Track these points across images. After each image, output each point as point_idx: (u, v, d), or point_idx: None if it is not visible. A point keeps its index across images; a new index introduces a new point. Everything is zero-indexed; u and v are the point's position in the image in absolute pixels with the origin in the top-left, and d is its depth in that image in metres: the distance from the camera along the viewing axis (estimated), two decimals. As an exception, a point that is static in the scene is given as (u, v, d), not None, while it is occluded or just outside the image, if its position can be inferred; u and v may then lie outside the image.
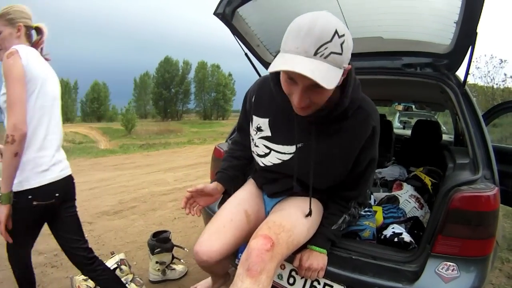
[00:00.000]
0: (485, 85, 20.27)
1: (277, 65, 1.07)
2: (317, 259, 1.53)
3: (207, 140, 19.37)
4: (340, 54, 1.06)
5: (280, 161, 1.52)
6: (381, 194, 2.42)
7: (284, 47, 1.11)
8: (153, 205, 4.72)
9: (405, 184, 2.47)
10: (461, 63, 2.00)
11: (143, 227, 3.85)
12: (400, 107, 5.92)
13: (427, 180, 2.54)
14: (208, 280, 2.20)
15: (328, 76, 1.04)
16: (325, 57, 1.04)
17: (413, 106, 5.60)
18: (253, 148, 1.62)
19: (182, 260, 2.79)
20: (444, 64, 2.03)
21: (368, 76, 2.22)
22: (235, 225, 1.57)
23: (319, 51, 1.03)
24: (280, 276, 1.76)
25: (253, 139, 1.61)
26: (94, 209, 4.50)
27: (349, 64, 1.18)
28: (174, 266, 2.74)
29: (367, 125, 1.36)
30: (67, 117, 60.24)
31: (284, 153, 1.49)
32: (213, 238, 1.51)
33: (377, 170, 3.07)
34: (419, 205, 2.24)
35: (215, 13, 2.11)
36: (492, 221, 1.41)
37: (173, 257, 2.70)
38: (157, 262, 2.61)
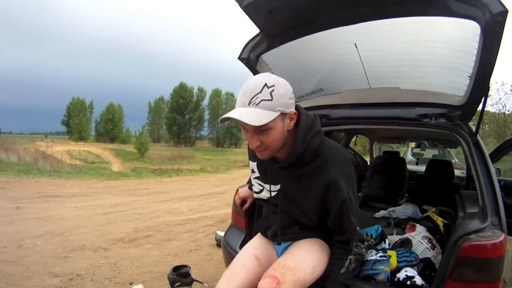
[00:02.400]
0: (497, 111, 20.84)
1: (221, 116, 1.39)
2: None
3: (220, 168, 19.47)
4: (271, 100, 1.34)
5: (270, 196, 1.76)
6: (395, 238, 2.49)
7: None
8: (168, 235, 4.78)
9: (418, 226, 2.53)
10: (474, 113, 2.13)
11: (159, 257, 3.90)
12: (413, 144, 6.10)
13: (439, 221, 2.62)
14: None
15: (257, 117, 1.33)
16: (257, 104, 1.34)
17: (426, 143, 5.77)
18: (252, 188, 1.90)
19: (200, 294, 2.83)
20: (457, 115, 2.14)
21: (384, 126, 2.38)
22: (247, 268, 1.72)
23: (251, 101, 1.34)
24: None
25: (251, 181, 1.90)
26: (109, 235, 4.58)
27: (295, 110, 1.47)
28: (192, 300, 2.78)
29: (326, 169, 1.52)
30: (80, 135, 61.30)
31: (272, 190, 1.73)
32: (229, 280, 1.67)
33: (390, 209, 3.16)
34: (431, 246, 2.30)
35: (240, 58, 2.26)
36: (498, 266, 1.53)
37: (191, 292, 2.75)
38: (176, 296, 2.66)
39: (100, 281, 3.19)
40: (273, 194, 1.73)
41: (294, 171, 1.59)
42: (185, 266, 2.79)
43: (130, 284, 2.80)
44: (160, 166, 21.37)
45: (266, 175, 1.74)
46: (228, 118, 1.37)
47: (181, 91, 69.39)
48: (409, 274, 1.92)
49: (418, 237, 2.36)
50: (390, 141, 5.62)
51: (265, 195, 1.80)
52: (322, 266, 1.71)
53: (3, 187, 7.31)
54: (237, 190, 2.39)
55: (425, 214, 2.84)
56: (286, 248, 1.83)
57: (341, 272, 1.64)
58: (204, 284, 2.85)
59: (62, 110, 69.32)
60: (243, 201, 2.27)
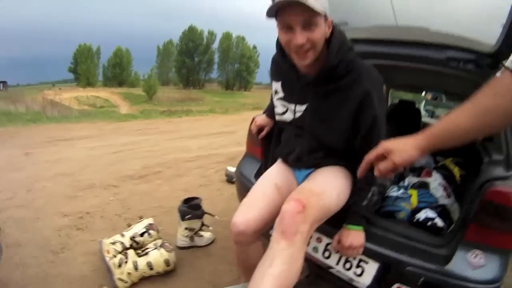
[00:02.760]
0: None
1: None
2: (356, 237, 1.59)
3: (229, 110, 19.35)
4: None
5: (294, 117, 1.67)
6: (414, 179, 2.44)
7: None
8: (178, 171, 4.73)
9: (434, 172, 2.47)
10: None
11: (168, 193, 3.86)
12: (429, 96, 5.82)
13: (456, 171, 2.58)
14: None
15: (314, 2, 1.25)
16: None
17: (443, 97, 5.49)
18: (275, 110, 1.79)
19: (210, 228, 2.78)
20: (487, 62, 2.01)
21: (411, 63, 2.23)
22: (267, 197, 1.66)
23: None
24: (315, 249, 1.81)
25: (274, 102, 1.80)
26: (119, 172, 4.52)
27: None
28: (202, 233, 2.73)
29: (359, 84, 1.44)
30: (88, 81, 60.98)
31: (297, 111, 1.65)
32: (249, 209, 1.62)
33: None
34: (446, 194, 2.24)
35: None
36: None
37: (202, 224, 2.69)
38: (186, 228, 2.61)
39: (109, 218, 3.17)
40: (298, 114, 1.65)
41: (325, 87, 1.52)
42: (196, 198, 2.71)
43: (140, 218, 2.73)
44: (169, 108, 21.29)
45: (291, 94, 1.65)
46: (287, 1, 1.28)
47: (191, 34, 68.84)
48: (430, 215, 1.89)
49: (435, 183, 2.31)
50: (408, 89, 5.39)
51: (289, 116, 1.71)
52: (346, 195, 1.63)
53: (12, 136, 7.24)
54: (254, 119, 2.29)
55: (441, 163, 2.80)
56: (307, 176, 1.73)
57: (363, 204, 1.59)
58: (216, 217, 2.77)
59: (69, 58, 68.57)
60: (260, 130, 2.19)
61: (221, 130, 9.10)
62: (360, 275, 1.68)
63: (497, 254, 1.48)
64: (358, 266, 1.69)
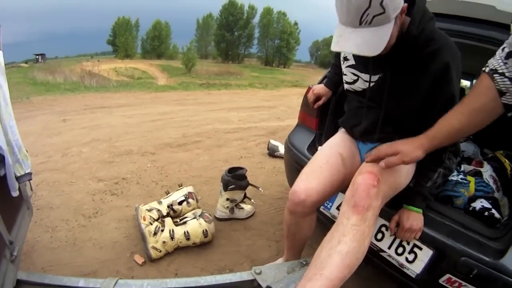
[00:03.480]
0: None
1: (332, 43, 1.24)
2: (417, 219, 1.50)
3: (269, 85, 19.11)
4: (383, 12, 1.12)
5: (366, 87, 1.55)
6: (469, 167, 2.34)
7: (337, 17, 1.22)
8: (218, 142, 4.60)
9: (485, 163, 2.36)
10: None
11: (208, 162, 3.75)
12: None
13: (507, 165, 2.45)
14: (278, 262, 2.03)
15: (375, 42, 1.17)
16: (370, 23, 1.14)
17: None
18: (343, 78, 1.68)
19: (252, 200, 2.64)
20: None
21: (473, 42, 2.02)
22: (331, 166, 1.58)
23: (362, 19, 1.14)
24: None
25: (342, 70, 1.67)
26: (157, 140, 4.45)
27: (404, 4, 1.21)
28: (242, 205, 2.61)
29: (439, 57, 1.33)
30: (127, 53, 61.87)
31: (368, 81, 1.52)
32: (311, 178, 1.54)
33: None
34: (496, 187, 2.13)
35: None
36: None
37: (244, 196, 2.54)
38: (227, 199, 2.47)
39: (146, 184, 3.09)
40: (371, 85, 1.52)
41: (404, 58, 1.38)
42: (241, 168, 2.55)
43: (179, 186, 2.62)
44: (208, 80, 21.27)
45: (365, 63, 1.51)
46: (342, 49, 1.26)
47: (231, 8, 68.25)
48: (486, 205, 1.80)
49: (486, 174, 2.21)
50: (464, 77, 4.94)
51: (360, 86, 1.59)
52: (411, 175, 1.55)
53: (50, 104, 7.33)
54: (309, 88, 2.18)
55: (491, 155, 2.72)
56: (371, 150, 1.58)
57: (427, 185, 1.50)
58: (260, 189, 2.61)
59: (108, 31, 69.28)
60: (317, 99, 2.10)
61: (261, 104, 8.91)
62: (412, 261, 1.59)
63: None
64: (411, 251, 1.59)
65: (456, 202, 1.87)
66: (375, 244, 1.69)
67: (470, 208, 1.81)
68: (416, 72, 1.38)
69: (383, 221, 1.65)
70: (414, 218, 1.49)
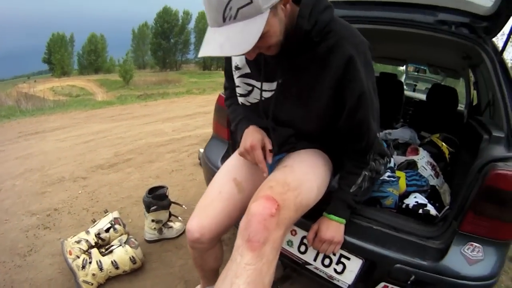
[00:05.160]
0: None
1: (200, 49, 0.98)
2: (337, 231, 1.34)
3: (207, 90, 18.87)
4: (250, 3, 0.90)
5: (263, 99, 1.32)
6: (401, 158, 2.22)
7: None
8: (150, 157, 4.43)
9: (421, 149, 2.26)
10: (500, 29, 1.79)
11: (139, 181, 3.59)
12: (411, 68, 5.57)
13: (444, 148, 2.35)
14: None
15: (242, 39, 0.93)
16: (235, 18, 0.92)
17: (426, 69, 5.26)
18: (237, 91, 1.42)
19: (180, 218, 2.54)
20: (482, 26, 1.78)
21: (396, 27, 1.94)
22: (224, 197, 1.38)
23: (225, 15, 0.91)
24: (290, 243, 1.55)
25: (235, 82, 1.41)
26: (89, 163, 4.21)
27: None
28: (171, 224, 2.51)
29: (339, 51, 1.10)
30: (63, 71, 58.96)
31: (266, 90, 1.30)
32: (203, 215, 1.36)
33: (386, 131, 2.86)
34: (435, 174, 2.05)
35: None
36: None
37: (170, 215, 2.45)
38: (153, 221, 2.36)
39: (77, 213, 2.90)
40: (267, 95, 1.30)
41: (299, 58, 1.17)
42: (162, 187, 2.45)
43: (105, 212, 2.49)
44: (146, 91, 20.78)
45: (258, 69, 1.28)
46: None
47: (165, 15, 67.09)
48: (420, 201, 1.66)
49: (422, 161, 2.10)
50: (390, 62, 4.92)
51: (255, 97, 1.36)
52: (326, 186, 1.38)
53: (-16, 135, 6.74)
54: (220, 96, 1.97)
55: (428, 139, 2.54)
56: (278, 162, 1.42)
57: (351, 190, 1.32)
58: (183, 206, 2.52)
59: (43, 48, 65.85)
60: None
61: (196, 111, 8.70)
62: (341, 272, 1.46)
63: (495, 246, 1.27)
64: (339, 262, 1.46)
65: (385, 202, 1.69)
66: (299, 257, 1.56)
67: (403, 206, 1.68)
68: (315, 71, 1.16)
69: (304, 233, 1.49)
70: (334, 230, 1.32)
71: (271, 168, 1.41)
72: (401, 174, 1.88)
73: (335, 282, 1.49)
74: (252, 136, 1.34)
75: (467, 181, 1.30)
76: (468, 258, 1.25)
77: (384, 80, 3.65)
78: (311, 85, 1.18)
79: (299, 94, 1.22)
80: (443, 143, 2.37)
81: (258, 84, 1.30)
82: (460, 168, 1.87)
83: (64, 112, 9.81)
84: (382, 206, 1.68)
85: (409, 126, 3.04)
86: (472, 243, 1.27)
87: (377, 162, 1.35)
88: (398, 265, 1.30)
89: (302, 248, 1.53)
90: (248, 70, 1.33)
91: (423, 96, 4.81)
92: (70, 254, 2.10)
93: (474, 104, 2.78)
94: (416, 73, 7.12)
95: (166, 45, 67.80)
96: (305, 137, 1.35)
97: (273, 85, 1.26)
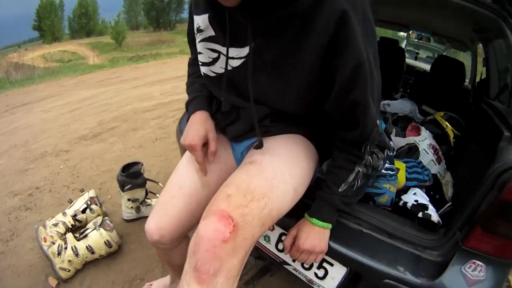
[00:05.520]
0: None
1: None
2: (320, 238, 1.07)
3: (200, 50, 18.32)
4: None
5: (231, 68, 1.00)
6: (400, 141, 1.86)
7: None
8: (134, 124, 4.21)
9: (423, 129, 1.89)
10: None
11: (121, 151, 3.40)
12: (414, 35, 5.16)
13: (449, 130, 1.97)
14: (166, 279, 1.77)
15: None
16: None
17: (430, 38, 4.84)
18: (199, 58, 1.09)
19: (157, 195, 2.35)
20: None
21: None
22: (186, 193, 1.14)
23: None
24: (267, 238, 1.32)
25: (197, 47, 1.09)
26: (72, 134, 4.00)
27: None
28: (149, 201, 2.32)
29: (329, 4, 0.78)
30: (54, 36, 57.32)
31: (233, 58, 0.97)
32: (161, 214, 1.13)
33: (385, 102, 2.47)
34: (437, 159, 1.73)
35: None
36: None
37: (147, 192, 2.26)
38: (129, 200, 2.19)
39: (57, 190, 2.75)
40: (235, 63, 0.98)
41: (274, 16, 0.84)
42: (136, 163, 2.23)
43: (81, 192, 2.31)
44: (138, 53, 20.16)
45: (224, 32, 0.97)
46: None
47: (159, -27, 64.14)
48: (420, 200, 1.35)
49: (424, 144, 1.77)
50: (389, 26, 4.24)
51: (220, 67, 1.03)
52: (308, 183, 1.09)
53: (-30, 110, 6.49)
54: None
55: (431, 117, 2.16)
56: (249, 148, 1.16)
57: (339, 190, 1.03)
58: (159, 184, 2.30)
59: (32, 16, 63.62)
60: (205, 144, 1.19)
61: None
62: (322, 278, 1.25)
63: (498, 266, 1.06)
64: (320, 267, 1.24)
65: (379, 200, 1.38)
66: (277, 256, 1.34)
67: (400, 203, 1.38)
68: (296, 34, 0.84)
69: (283, 230, 1.28)
70: (317, 237, 1.07)
71: (242, 153, 1.18)
72: (400, 165, 1.54)
73: (315, 287, 1.29)
74: (193, 131, 1.10)
75: (480, 189, 1.04)
76: (468, 278, 1.05)
77: (384, 46, 3.28)
78: (291, 51, 0.87)
79: (275, 62, 0.91)
80: (448, 124, 2.02)
81: (223, 49, 0.99)
82: (466, 158, 1.63)
83: (54, 79, 9.48)
84: (375, 203, 1.39)
85: (409, 98, 2.67)
86: (475, 261, 1.06)
87: (374, 156, 1.02)
88: (387, 281, 1.09)
89: (280, 246, 1.31)
90: (212, 33, 1.01)
91: (425, 66, 4.44)
92: (45, 241, 1.97)
93: (480, 81, 2.47)
94: (417, 40, 6.59)
95: (159, 5, 65.12)
96: (283, 118, 1.06)
97: (243, 51, 0.95)
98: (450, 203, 1.41)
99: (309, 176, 1.09)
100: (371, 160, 1.01)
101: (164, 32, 55.22)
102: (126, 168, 2.19)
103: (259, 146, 1.01)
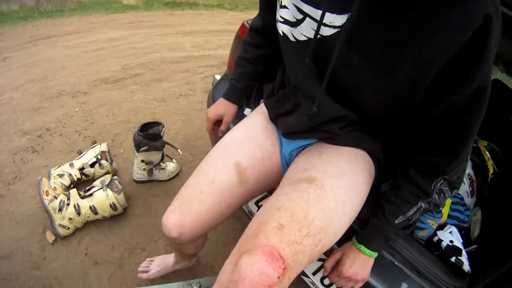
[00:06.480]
0: None
1: None
2: (364, 267, 0.96)
3: (239, 6, 17.66)
4: None
5: (319, 37, 0.76)
6: None
7: None
8: (160, 75, 3.95)
9: None
10: None
11: (141, 102, 3.17)
12: None
13: (490, 165, 1.74)
14: (169, 257, 1.58)
15: None
16: None
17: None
18: (279, 13, 0.86)
19: (174, 160, 2.16)
20: None
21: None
22: (219, 189, 0.97)
23: None
24: None
25: (276, 3, 0.87)
26: (94, 75, 3.77)
27: None
28: (163, 165, 2.12)
29: (477, 3, 0.60)
30: (91, -31, 56.98)
31: (327, 25, 0.74)
32: (185, 209, 0.96)
33: None
34: (471, 191, 1.54)
35: None
36: None
37: (163, 156, 2.05)
38: (142, 161, 1.98)
39: (68, 136, 2.57)
40: (326, 33, 0.76)
41: None
42: (158, 124, 2.00)
43: (93, 143, 2.10)
44: (175, -1, 19.63)
45: None
46: None
47: None
48: (455, 242, 1.22)
49: None
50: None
51: (305, 32, 0.81)
52: (360, 207, 0.93)
53: (-5, 39, 6.33)
54: (244, 26, 1.58)
55: (474, 144, 1.88)
56: (300, 151, 1.00)
57: (396, 222, 0.91)
58: (179, 150, 2.05)
59: None
60: (218, 122, 1.32)
61: (223, 28, 7.91)
62: None
63: None
64: None
65: (418, 234, 1.30)
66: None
67: (435, 238, 1.28)
68: (421, 20, 0.65)
69: None
70: (361, 265, 0.96)
71: (289, 155, 1.02)
72: (447, 200, 1.39)
73: None
74: (215, 108, 1.28)
75: None
76: None
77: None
78: (409, 40, 0.67)
79: (380, 44, 0.70)
80: (490, 157, 1.80)
81: (315, 12, 0.76)
82: (501, 199, 1.55)
83: (83, 15, 9.26)
84: (413, 235, 1.30)
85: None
86: None
87: (442, 195, 0.89)
88: None
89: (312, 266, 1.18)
90: None
91: None
92: (47, 195, 1.80)
93: None
94: None
95: None
96: (355, 127, 0.90)
97: (340, 19, 0.72)
98: (475, 245, 1.33)
99: (363, 201, 0.95)
100: (437, 199, 0.90)
101: (206, -20, 54.04)
102: (145, 127, 1.96)
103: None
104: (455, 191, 0.91)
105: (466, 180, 1.55)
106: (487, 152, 1.81)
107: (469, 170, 1.61)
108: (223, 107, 1.26)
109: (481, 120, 0.75)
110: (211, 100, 1.65)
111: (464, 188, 1.55)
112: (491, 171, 1.74)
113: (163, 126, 1.99)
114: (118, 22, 7.59)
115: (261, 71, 1.20)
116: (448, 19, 0.62)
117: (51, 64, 4.19)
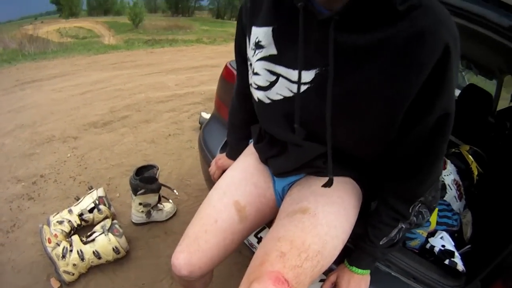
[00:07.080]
0: None
1: None
2: (360, 284, 1.04)
3: (217, 40, 18.09)
4: None
5: (292, 94, 0.86)
6: None
7: None
8: (147, 115, 4.08)
9: (449, 163, 1.82)
10: None
11: (132, 145, 3.27)
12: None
13: (474, 167, 1.89)
14: None
15: None
16: None
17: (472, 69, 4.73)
18: (252, 80, 0.95)
19: (170, 200, 2.26)
20: None
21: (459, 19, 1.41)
22: (221, 228, 1.06)
23: None
24: None
25: (251, 65, 0.95)
26: (82, 119, 3.88)
27: None
28: (160, 206, 2.21)
29: (434, 38, 0.66)
30: (71, 11, 57.32)
31: (297, 83, 0.83)
32: (193, 249, 1.03)
33: None
34: (459, 195, 1.69)
35: None
36: None
37: (159, 198, 2.14)
38: (140, 204, 2.07)
39: (63, 182, 2.64)
40: (303, 90, 0.83)
41: (364, 36, 0.72)
42: (152, 167, 2.11)
43: (90, 189, 2.18)
44: (154, 36, 19.95)
45: (291, 51, 0.82)
46: None
47: (180, -42, 64.15)
48: (447, 246, 1.32)
49: (448, 179, 1.72)
50: None
51: (280, 93, 0.88)
52: (350, 229, 1.01)
53: (-20, 82, 6.38)
54: (226, 67, 1.69)
55: (456, 150, 2.04)
56: (291, 185, 1.10)
57: (381, 243, 1.00)
58: (174, 191, 2.16)
59: (52, -13, 63.56)
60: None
61: (204, 63, 8.18)
62: None
63: None
64: None
65: (410, 244, 1.40)
66: None
67: (427, 246, 1.37)
68: (387, 65, 0.72)
69: None
70: (356, 284, 1.04)
71: (282, 190, 1.12)
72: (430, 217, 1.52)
73: None
74: (225, 160, 1.40)
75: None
76: None
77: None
78: (377, 84, 0.74)
79: (351, 92, 0.78)
80: (473, 160, 1.93)
81: (288, 72, 0.85)
82: (489, 198, 1.64)
83: (66, 57, 9.39)
84: (405, 245, 1.40)
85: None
86: None
87: (420, 216, 0.98)
88: None
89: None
90: (274, 51, 0.86)
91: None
92: (49, 242, 1.84)
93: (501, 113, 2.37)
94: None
95: (179, -11, 65.48)
96: (342, 159, 0.94)
97: (310, 75, 0.81)
98: (469, 245, 1.41)
99: (354, 224, 1.02)
100: (415, 220, 0.97)
101: (182, 18, 55.08)
102: (140, 170, 2.07)
103: (329, 184, 0.89)
104: (430, 211, 1.00)
105: (453, 186, 1.69)
106: (469, 156, 1.94)
107: (454, 175, 1.74)
108: (230, 161, 1.35)
109: (447, 141, 0.82)
110: (202, 141, 1.74)
111: (452, 194, 1.68)
112: (476, 173, 1.88)
113: (158, 169, 2.09)
114: (101, 64, 7.73)
115: (253, 121, 1.24)
116: (410, 59, 0.69)
117: (39, 109, 4.27)
